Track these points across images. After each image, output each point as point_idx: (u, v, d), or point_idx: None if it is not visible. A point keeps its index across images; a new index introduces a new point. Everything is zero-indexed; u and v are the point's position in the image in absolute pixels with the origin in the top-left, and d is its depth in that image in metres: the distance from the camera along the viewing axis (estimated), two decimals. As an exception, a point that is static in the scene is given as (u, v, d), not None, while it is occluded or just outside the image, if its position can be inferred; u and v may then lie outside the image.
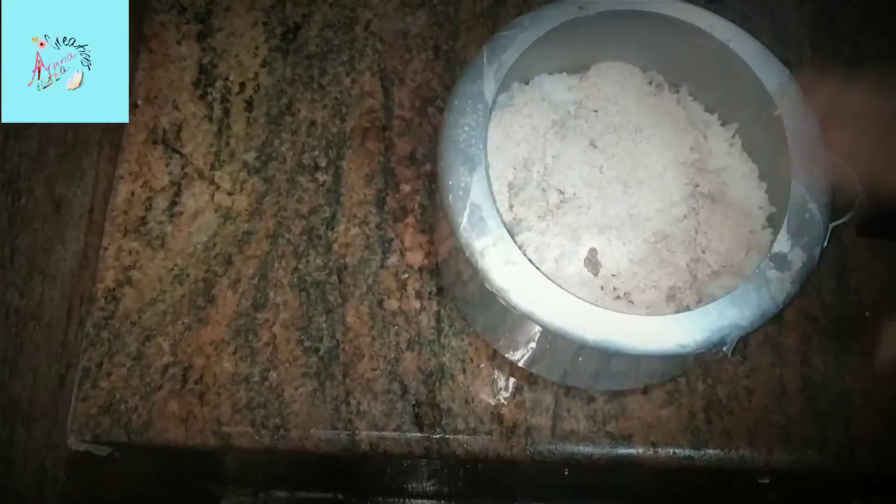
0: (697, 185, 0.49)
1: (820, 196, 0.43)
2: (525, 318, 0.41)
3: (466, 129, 0.44)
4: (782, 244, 0.42)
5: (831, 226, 0.43)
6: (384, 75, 0.60)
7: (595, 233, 0.46)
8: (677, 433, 0.51)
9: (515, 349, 0.50)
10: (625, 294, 0.46)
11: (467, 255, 0.41)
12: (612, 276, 0.46)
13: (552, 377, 0.51)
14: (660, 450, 0.51)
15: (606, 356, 0.43)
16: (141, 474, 0.61)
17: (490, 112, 0.45)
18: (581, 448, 0.50)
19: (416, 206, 0.56)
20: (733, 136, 0.50)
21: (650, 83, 0.52)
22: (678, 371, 0.52)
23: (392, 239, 0.55)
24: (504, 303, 0.41)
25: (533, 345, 0.47)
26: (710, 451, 0.51)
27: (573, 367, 0.49)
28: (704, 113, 0.51)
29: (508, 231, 0.46)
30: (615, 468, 0.52)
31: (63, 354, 0.49)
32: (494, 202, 0.42)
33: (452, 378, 0.51)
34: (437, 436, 0.50)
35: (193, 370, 0.51)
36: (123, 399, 0.50)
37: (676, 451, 0.51)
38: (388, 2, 0.62)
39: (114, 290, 0.53)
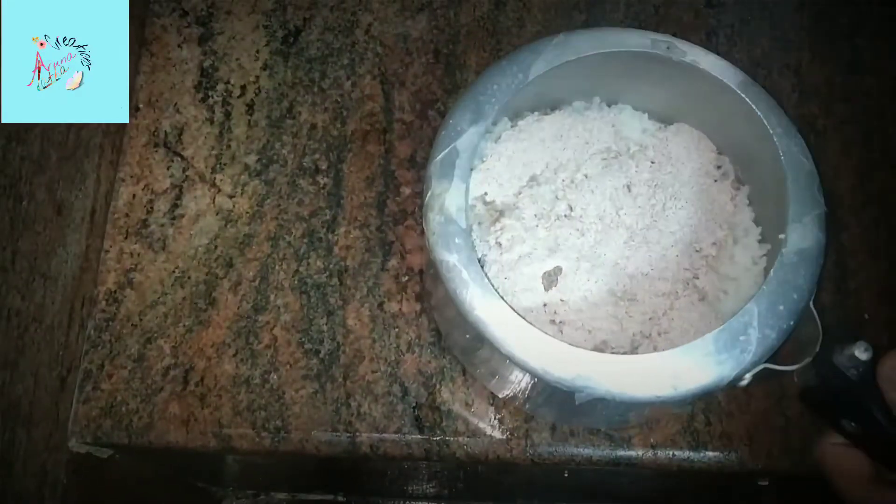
0: (696, 278, 0.46)
1: (766, 329, 0.38)
2: (437, 262, 0.39)
3: (495, 86, 0.43)
4: None
5: (765, 365, 0.38)
6: (384, 79, 0.60)
7: (572, 257, 0.45)
8: (676, 435, 0.51)
9: (449, 329, 0.50)
10: (560, 322, 0.44)
11: (425, 187, 0.41)
12: (560, 300, 0.44)
13: (481, 379, 0.50)
14: (659, 452, 0.51)
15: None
16: (142, 476, 0.61)
17: (544, 107, 0.44)
18: (581, 450, 0.51)
19: (417, 208, 0.56)
20: (762, 257, 0.45)
21: (718, 167, 0.49)
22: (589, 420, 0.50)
23: (393, 241, 0.55)
24: (429, 247, 0.40)
25: (444, 307, 0.46)
26: (710, 454, 0.51)
27: (500, 376, 0.48)
28: (751, 222, 0.47)
29: (500, 210, 0.46)
30: (614, 470, 0.52)
31: (64, 357, 0.49)
32: (474, 155, 0.41)
33: (453, 380, 0.51)
34: (438, 438, 0.50)
35: (194, 372, 0.51)
36: (124, 401, 0.50)
37: (676, 453, 0.51)
38: (389, 6, 0.62)
39: (115, 292, 0.53)
